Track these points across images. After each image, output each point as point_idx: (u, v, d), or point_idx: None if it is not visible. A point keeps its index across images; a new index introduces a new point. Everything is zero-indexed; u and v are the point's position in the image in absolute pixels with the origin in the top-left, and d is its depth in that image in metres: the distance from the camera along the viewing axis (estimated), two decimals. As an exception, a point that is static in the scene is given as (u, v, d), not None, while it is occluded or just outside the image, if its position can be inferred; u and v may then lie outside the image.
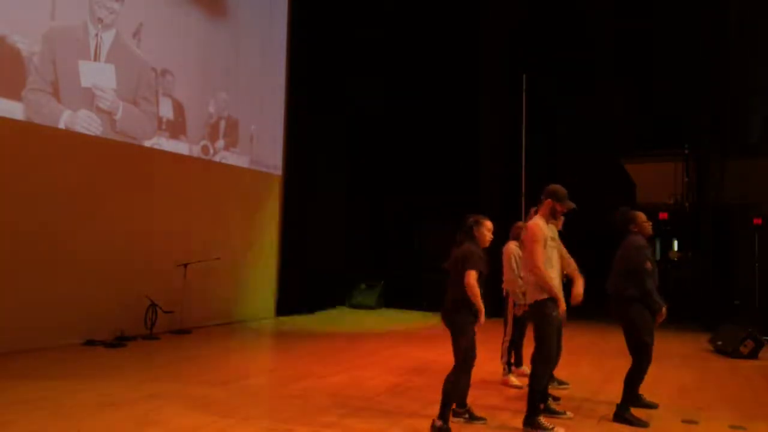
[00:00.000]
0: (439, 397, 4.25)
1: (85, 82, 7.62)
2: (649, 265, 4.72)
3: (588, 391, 5.60)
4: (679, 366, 7.03)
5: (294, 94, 11.39)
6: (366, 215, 13.31)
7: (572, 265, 4.87)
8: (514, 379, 5.85)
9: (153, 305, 8.05)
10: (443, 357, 6.86)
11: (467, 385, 4.49)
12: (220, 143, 9.83)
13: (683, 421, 4.69)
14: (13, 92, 6.85)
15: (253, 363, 6.87)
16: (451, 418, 4.32)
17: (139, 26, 8.34)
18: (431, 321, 10.51)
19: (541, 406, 4.59)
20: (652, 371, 6.42)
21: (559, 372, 5.82)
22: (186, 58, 9.16)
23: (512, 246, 5.97)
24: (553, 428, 4.27)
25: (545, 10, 12.07)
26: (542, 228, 4.46)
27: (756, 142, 10.87)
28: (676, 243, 12.52)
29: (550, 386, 5.02)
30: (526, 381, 5.81)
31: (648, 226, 5.04)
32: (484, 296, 4.26)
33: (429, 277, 11.34)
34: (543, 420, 4.34)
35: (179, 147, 9.05)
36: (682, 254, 11.74)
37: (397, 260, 13.00)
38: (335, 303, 12.45)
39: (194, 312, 8.83)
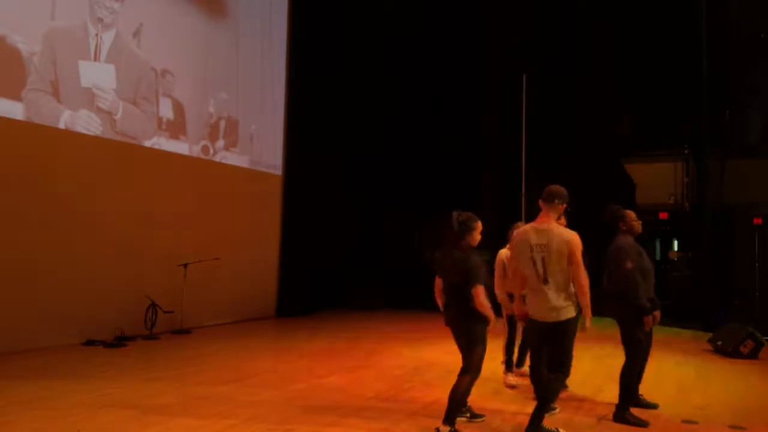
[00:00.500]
0: (438, 397, 4.25)
1: (85, 82, 7.62)
2: (629, 265, 4.66)
3: (588, 391, 5.60)
4: (679, 366, 7.03)
5: (294, 94, 11.39)
6: (366, 215, 13.31)
7: None
8: (511, 379, 5.85)
9: (153, 305, 8.05)
10: (443, 357, 6.87)
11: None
12: (220, 143, 9.83)
13: (683, 421, 4.69)
14: (13, 92, 6.85)
15: (253, 363, 6.87)
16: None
17: (139, 26, 8.34)
18: (431, 321, 10.50)
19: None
20: (652, 371, 6.45)
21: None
22: (186, 58, 9.16)
23: (504, 253, 5.95)
24: (556, 430, 4.26)
25: (545, 10, 12.07)
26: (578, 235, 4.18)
27: (756, 142, 10.86)
28: (676, 243, 12.53)
29: None
30: (523, 381, 5.83)
31: (638, 225, 4.99)
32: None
33: (429, 277, 11.33)
34: (546, 423, 4.32)
35: (179, 147, 9.05)
36: (682, 254, 11.74)
37: (397, 260, 13.00)
38: (335, 303, 12.44)
39: (194, 312, 8.84)
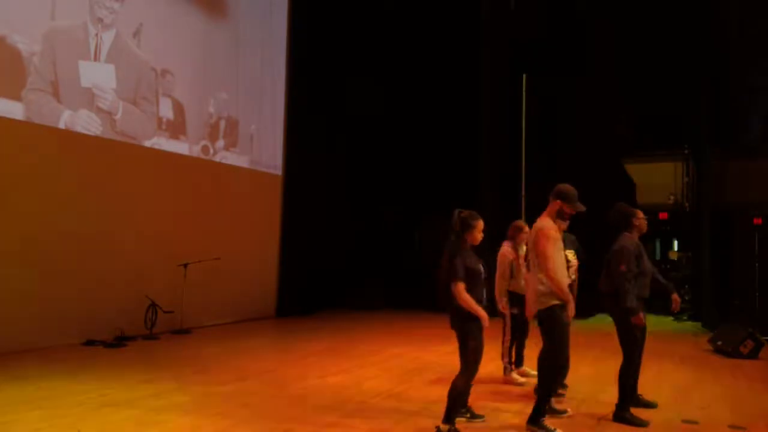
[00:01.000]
0: (438, 397, 4.25)
1: (85, 82, 7.62)
2: (623, 268, 4.71)
3: (588, 391, 5.59)
4: (679, 366, 7.03)
5: (294, 94, 11.39)
6: (366, 215, 13.31)
7: (573, 268, 4.87)
8: (517, 376, 5.86)
9: (153, 305, 8.06)
10: (443, 357, 6.87)
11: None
12: (220, 143, 9.83)
13: (683, 421, 4.69)
14: (13, 92, 6.85)
15: (253, 363, 6.87)
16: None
17: (139, 26, 8.35)
18: (431, 321, 10.50)
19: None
20: (652, 371, 6.46)
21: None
22: (186, 58, 9.16)
23: (508, 250, 5.99)
24: (555, 431, 4.27)
25: (545, 10, 12.07)
26: (554, 229, 4.39)
27: (756, 142, 10.86)
28: (676, 243, 12.53)
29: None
30: (525, 380, 5.84)
31: (645, 224, 5.10)
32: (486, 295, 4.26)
33: (429, 277, 11.33)
34: (547, 422, 4.33)
35: (179, 147, 9.05)
36: (682, 254, 11.74)
37: (397, 260, 13.00)
38: (335, 303, 12.44)
39: (194, 312, 8.84)
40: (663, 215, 11.33)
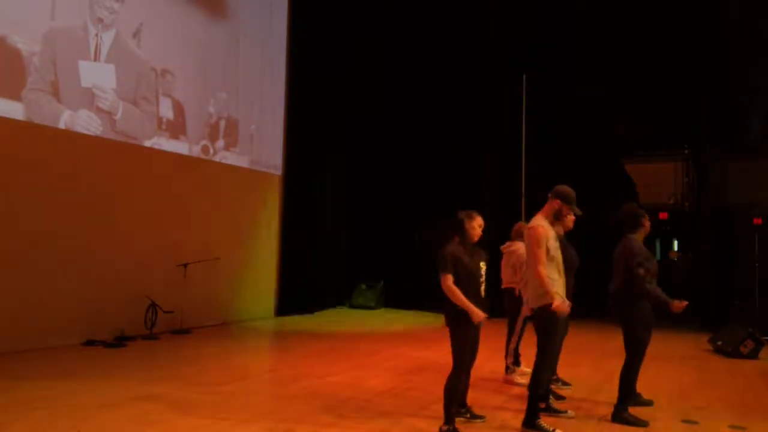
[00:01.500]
0: (438, 397, 4.25)
1: (85, 82, 7.62)
2: (641, 271, 4.66)
3: (588, 391, 5.60)
4: (679, 366, 7.03)
5: (294, 94, 11.39)
6: (366, 215, 13.31)
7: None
8: (519, 378, 5.86)
9: (153, 305, 8.05)
10: (443, 357, 6.85)
11: (466, 385, 4.49)
12: (220, 143, 9.83)
13: (683, 421, 4.69)
14: (13, 92, 6.85)
15: (252, 363, 6.87)
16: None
17: (139, 26, 8.34)
18: (431, 321, 10.51)
19: (542, 405, 4.60)
20: (652, 371, 6.45)
21: (559, 371, 5.83)
22: (186, 58, 9.16)
23: (521, 246, 6.00)
24: (554, 431, 4.27)
25: (545, 10, 12.06)
26: (545, 229, 4.42)
27: (756, 143, 10.85)
28: (676, 243, 12.52)
29: (553, 385, 5.02)
30: (525, 381, 5.84)
31: (649, 225, 5.09)
32: (487, 294, 4.27)
33: (429, 277, 11.32)
34: (543, 422, 4.33)
35: (179, 147, 9.05)
36: (682, 254, 11.73)
37: (397, 260, 13.00)
38: (335, 303, 12.45)
39: (194, 312, 8.83)
40: (663, 215, 11.32)
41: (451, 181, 12.28)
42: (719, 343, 7.95)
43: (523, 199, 11.03)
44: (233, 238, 9.91)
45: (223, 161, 9.88)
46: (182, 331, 8.46)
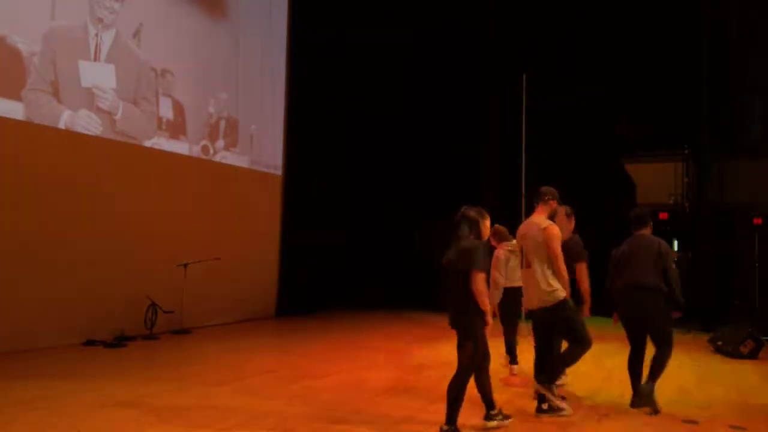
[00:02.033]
0: (438, 396, 4.24)
1: (85, 82, 7.62)
2: (673, 265, 4.99)
3: (588, 390, 5.60)
4: (680, 366, 7.02)
5: (294, 94, 11.39)
6: (366, 214, 13.31)
7: None
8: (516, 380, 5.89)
9: (153, 305, 8.05)
10: (443, 357, 6.86)
11: (490, 385, 4.36)
12: (220, 143, 9.83)
13: (683, 421, 4.69)
14: (13, 92, 6.85)
15: (253, 363, 6.87)
16: (488, 423, 4.28)
17: (139, 26, 8.34)
18: (431, 321, 10.50)
19: (544, 405, 4.66)
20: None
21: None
22: (186, 58, 9.16)
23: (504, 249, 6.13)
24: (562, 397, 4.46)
25: (545, 10, 12.07)
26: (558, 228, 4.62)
27: (756, 142, 10.85)
28: (676, 243, 12.51)
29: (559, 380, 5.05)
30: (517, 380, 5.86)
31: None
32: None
33: (429, 277, 11.34)
34: (548, 420, 4.45)
35: (179, 147, 9.05)
36: (682, 254, 11.73)
37: (397, 260, 13.00)
38: (335, 303, 12.45)
39: (194, 312, 8.83)
40: (663, 215, 11.31)
41: (451, 180, 12.28)
42: (719, 343, 7.95)
43: (523, 199, 11.02)
44: (233, 238, 9.90)
45: (223, 161, 9.88)
46: (182, 331, 8.45)
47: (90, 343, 7.31)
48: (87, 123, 7.64)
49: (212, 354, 7.24)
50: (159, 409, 4.66)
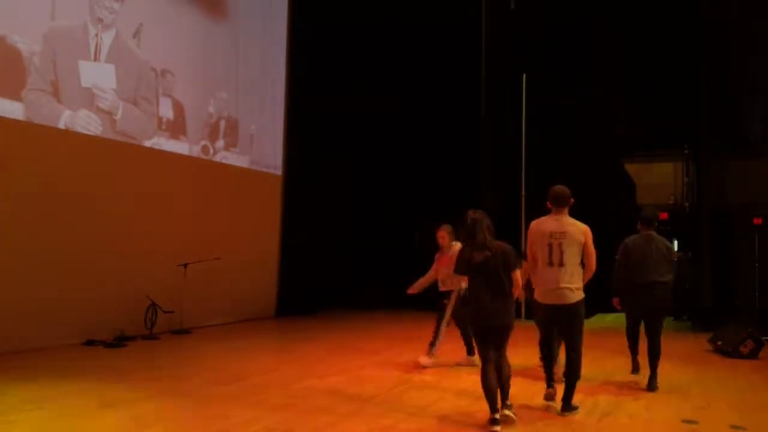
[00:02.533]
0: (439, 396, 4.25)
1: (85, 82, 7.62)
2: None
3: (588, 390, 5.59)
4: (679, 366, 7.02)
5: (294, 94, 11.39)
6: (366, 215, 13.30)
7: None
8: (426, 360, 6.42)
9: (153, 305, 8.05)
10: (443, 356, 6.86)
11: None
12: (220, 143, 9.83)
13: (683, 421, 4.69)
14: (13, 92, 6.85)
15: (253, 363, 6.87)
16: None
17: (139, 26, 8.34)
18: (431, 321, 10.48)
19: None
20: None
21: (558, 370, 5.86)
22: (186, 58, 9.16)
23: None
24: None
25: (545, 10, 12.07)
26: None
27: (756, 142, 10.85)
28: (676, 243, 12.53)
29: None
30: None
31: None
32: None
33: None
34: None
35: (179, 147, 9.05)
36: (682, 254, 11.74)
37: (397, 260, 12.99)
38: (335, 303, 12.44)
39: (194, 312, 8.83)
40: (663, 215, 11.32)
41: (451, 180, 12.28)
42: (719, 343, 7.95)
43: (523, 199, 11.04)
44: (233, 238, 9.91)
45: (223, 161, 9.88)
46: (182, 331, 8.45)
47: (90, 343, 7.31)
48: (87, 123, 7.64)
49: (212, 354, 7.24)
50: (159, 409, 4.67)
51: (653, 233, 5.92)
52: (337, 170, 12.64)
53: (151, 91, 8.59)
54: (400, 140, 13.06)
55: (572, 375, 4.73)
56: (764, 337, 7.77)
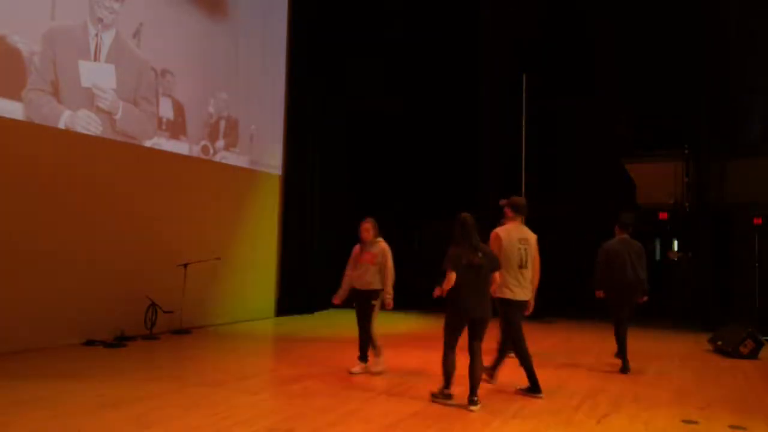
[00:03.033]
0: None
1: (85, 82, 7.61)
2: None
3: (588, 390, 5.59)
4: (679, 366, 7.03)
5: (294, 94, 11.39)
6: (366, 214, 13.27)
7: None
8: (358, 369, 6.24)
9: (153, 305, 8.05)
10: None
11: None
12: (220, 143, 9.83)
13: (683, 421, 4.69)
14: (13, 92, 6.85)
15: (252, 363, 6.87)
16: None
17: (139, 26, 8.34)
18: (432, 321, 10.50)
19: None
20: (653, 371, 6.47)
21: (559, 371, 5.86)
22: (186, 58, 9.16)
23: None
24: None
25: (546, 10, 12.07)
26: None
27: (756, 142, 10.85)
28: (676, 243, 12.52)
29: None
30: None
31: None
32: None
33: (429, 278, 11.32)
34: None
35: (179, 147, 9.05)
36: (682, 254, 11.73)
37: (396, 260, 12.97)
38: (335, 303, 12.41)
39: (194, 312, 8.83)
40: (663, 215, 11.31)
41: (451, 180, 12.28)
42: (719, 343, 7.95)
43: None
44: (233, 238, 9.91)
45: (223, 161, 9.88)
46: (182, 331, 8.45)
47: (90, 343, 7.31)
48: (87, 123, 7.64)
49: (212, 354, 7.24)
50: (159, 410, 4.66)
51: (627, 236, 6.56)
52: (337, 170, 12.63)
53: (151, 91, 8.59)
54: (400, 140, 13.06)
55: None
56: (764, 337, 7.77)
